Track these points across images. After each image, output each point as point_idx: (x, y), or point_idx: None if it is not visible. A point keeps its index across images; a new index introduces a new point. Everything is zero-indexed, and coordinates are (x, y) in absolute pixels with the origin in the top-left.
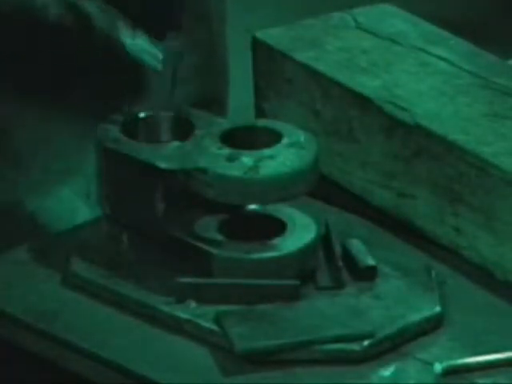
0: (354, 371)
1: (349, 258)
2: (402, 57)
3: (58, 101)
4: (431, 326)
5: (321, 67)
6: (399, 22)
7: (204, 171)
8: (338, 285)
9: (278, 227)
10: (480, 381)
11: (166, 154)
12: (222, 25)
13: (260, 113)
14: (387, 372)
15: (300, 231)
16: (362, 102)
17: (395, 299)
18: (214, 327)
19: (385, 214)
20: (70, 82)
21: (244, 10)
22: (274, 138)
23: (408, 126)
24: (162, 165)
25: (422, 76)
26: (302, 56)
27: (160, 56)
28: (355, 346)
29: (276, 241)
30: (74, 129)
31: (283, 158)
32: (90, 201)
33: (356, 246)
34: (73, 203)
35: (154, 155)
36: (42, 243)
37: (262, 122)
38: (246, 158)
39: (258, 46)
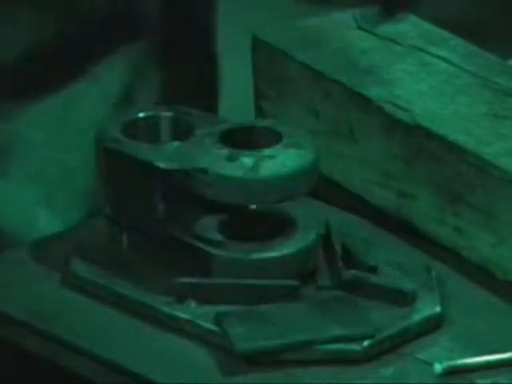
0: (354, 371)
1: (349, 258)
2: (402, 57)
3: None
4: (431, 326)
5: (321, 67)
6: (399, 22)
7: (204, 171)
8: (338, 285)
9: (279, 227)
10: (480, 381)
11: (166, 154)
12: None
13: (260, 113)
14: (387, 372)
15: (300, 231)
16: (362, 101)
17: None
18: (214, 327)
19: (385, 214)
20: None
21: (244, 10)
22: (274, 137)
23: (408, 126)
24: (162, 165)
25: (422, 76)
26: (303, 56)
27: None
28: (355, 346)
29: (276, 241)
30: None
31: (283, 158)
32: (51, 208)
33: (356, 246)
34: (33, 211)
35: (154, 155)
36: (42, 243)
37: (262, 122)
38: (246, 158)
39: (258, 45)
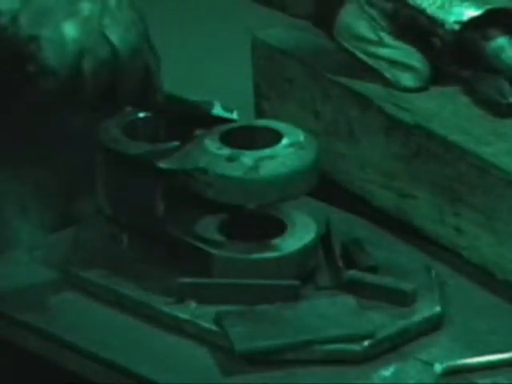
0: (354, 371)
1: (349, 257)
2: None
3: None
4: (431, 326)
5: (321, 67)
6: None
7: (204, 171)
8: (338, 285)
9: (278, 227)
10: (480, 381)
11: (166, 154)
12: None
13: (260, 113)
14: (387, 372)
15: (300, 231)
16: (362, 101)
17: None
18: (214, 327)
19: (385, 214)
20: None
21: (244, 9)
22: (274, 137)
23: (408, 126)
24: (162, 165)
25: None
26: (302, 56)
27: None
28: (355, 346)
29: (276, 241)
30: None
31: (283, 158)
32: (28, 218)
33: (356, 246)
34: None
35: (154, 155)
36: (42, 243)
37: (261, 122)
38: (246, 158)
39: (258, 45)
